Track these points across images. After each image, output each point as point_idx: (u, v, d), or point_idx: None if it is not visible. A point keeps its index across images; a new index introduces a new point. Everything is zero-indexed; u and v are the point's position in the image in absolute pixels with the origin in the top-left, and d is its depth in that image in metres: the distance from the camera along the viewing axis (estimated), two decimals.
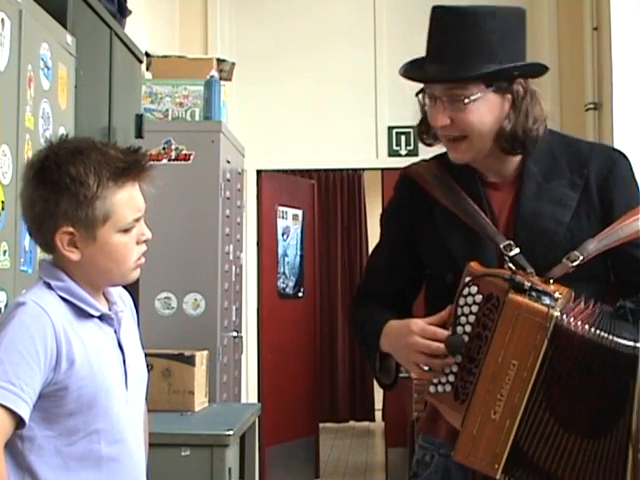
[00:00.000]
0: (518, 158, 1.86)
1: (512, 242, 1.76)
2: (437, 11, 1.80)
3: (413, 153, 5.82)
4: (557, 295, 1.66)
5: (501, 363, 1.63)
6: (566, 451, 1.63)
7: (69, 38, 2.67)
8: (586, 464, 1.62)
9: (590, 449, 1.62)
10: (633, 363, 1.59)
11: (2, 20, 2.17)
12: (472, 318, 1.68)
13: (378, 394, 8.17)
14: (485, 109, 1.77)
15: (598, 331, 1.61)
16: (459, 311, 1.69)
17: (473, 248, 1.80)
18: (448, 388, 1.71)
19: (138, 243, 1.71)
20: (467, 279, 1.69)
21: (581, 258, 1.75)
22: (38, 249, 2.29)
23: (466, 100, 1.75)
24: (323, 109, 5.99)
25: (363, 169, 7.50)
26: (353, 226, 8.93)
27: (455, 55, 1.75)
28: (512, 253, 1.75)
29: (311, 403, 6.55)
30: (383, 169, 6.01)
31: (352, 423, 8.74)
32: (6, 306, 2.13)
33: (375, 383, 8.39)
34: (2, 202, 2.16)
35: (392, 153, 5.88)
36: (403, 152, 5.86)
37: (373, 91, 5.99)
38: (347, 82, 5.98)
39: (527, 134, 1.79)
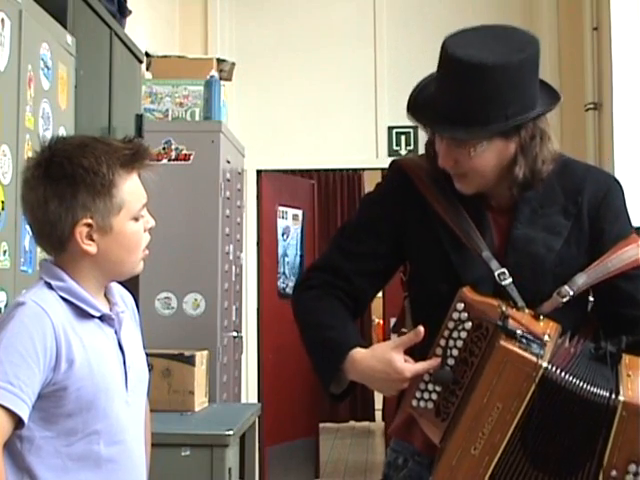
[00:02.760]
0: None
1: (505, 271, 1.77)
2: (448, 56, 1.74)
3: (413, 153, 5.82)
4: (546, 338, 1.68)
5: (486, 404, 1.66)
6: None
7: (69, 38, 2.67)
8: None
9: None
10: (607, 413, 1.63)
11: (2, 20, 2.17)
12: (460, 343, 1.70)
13: (378, 394, 8.17)
14: (490, 155, 1.77)
15: (578, 381, 1.64)
16: (446, 334, 1.71)
17: (468, 264, 1.80)
18: (430, 405, 1.73)
19: (144, 231, 1.73)
20: (459, 305, 1.71)
21: (571, 294, 1.77)
22: (38, 249, 2.29)
23: (472, 150, 1.75)
24: (323, 109, 5.99)
25: (363, 169, 7.50)
26: None
27: (465, 111, 1.71)
28: (505, 283, 1.77)
29: (311, 403, 6.55)
30: (383, 169, 5.99)
31: (352, 423, 8.73)
32: (6, 306, 2.13)
33: None
34: (2, 202, 2.16)
35: (392, 153, 5.88)
36: (403, 152, 5.86)
37: (373, 91, 5.99)
38: (347, 82, 5.98)
39: (535, 176, 1.79)
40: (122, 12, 3.53)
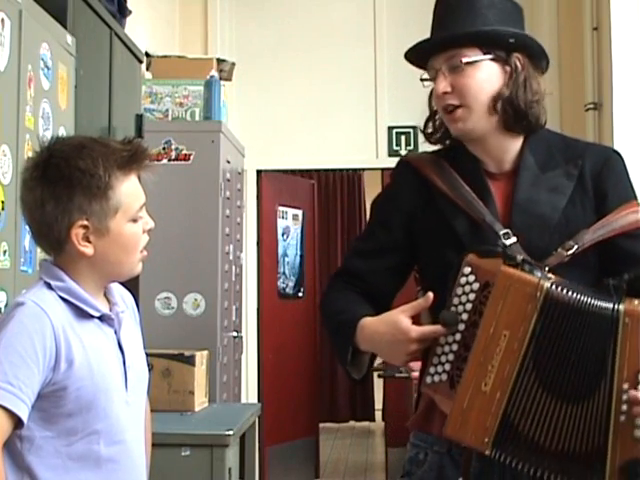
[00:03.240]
0: (517, 147, 1.88)
1: (509, 231, 1.78)
2: None
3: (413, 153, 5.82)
4: (550, 275, 1.69)
5: (492, 334, 1.65)
6: (553, 419, 1.64)
7: (69, 38, 2.67)
8: (571, 430, 1.64)
9: (575, 414, 1.64)
10: (611, 325, 1.63)
11: (2, 20, 2.17)
12: (469, 306, 1.69)
13: (378, 394, 8.17)
14: (483, 76, 1.82)
15: (581, 297, 1.64)
16: (456, 300, 1.71)
17: (477, 232, 1.81)
18: (444, 377, 1.71)
19: (143, 232, 1.73)
20: (465, 269, 1.71)
21: (575, 247, 1.77)
22: (38, 249, 2.29)
23: (464, 59, 1.81)
24: (323, 109, 5.99)
25: (363, 169, 7.50)
26: (353, 226, 8.93)
27: (452, 24, 1.83)
28: (509, 242, 1.78)
29: (311, 403, 6.55)
30: (383, 169, 6.01)
31: (352, 423, 8.74)
32: (6, 306, 2.13)
33: (375, 383, 8.40)
34: (2, 202, 2.16)
35: (392, 153, 5.89)
36: (403, 152, 5.86)
37: (373, 91, 5.99)
38: (347, 82, 5.98)
39: (528, 107, 1.83)
40: (122, 12, 3.53)
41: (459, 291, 1.71)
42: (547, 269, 1.73)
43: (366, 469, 7.00)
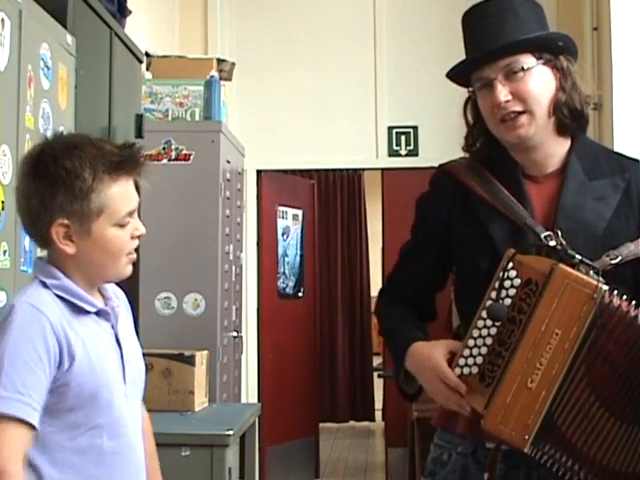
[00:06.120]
0: (563, 150, 1.88)
1: (551, 233, 1.76)
2: (470, 11, 1.88)
3: (413, 153, 5.83)
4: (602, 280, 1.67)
5: (544, 331, 1.63)
6: (603, 432, 1.62)
7: (69, 38, 2.67)
8: (622, 449, 1.62)
9: (630, 436, 1.62)
10: None
11: (2, 20, 2.17)
12: (508, 301, 1.68)
13: (378, 394, 8.16)
14: (540, 81, 1.83)
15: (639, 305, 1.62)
16: (494, 294, 1.69)
17: (514, 236, 1.80)
18: (475, 370, 1.69)
19: (132, 238, 1.73)
20: (507, 264, 1.69)
21: (620, 258, 1.75)
22: (38, 249, 2.29)
23: (525, 66, 1.82)
24: (323, 109, 5.98)
25: (363, 169, 7.50)
26: (353, 226, 8.93)
27: (500, 35, 1.82)
28: (552, 244, 1.75)
29: (311, 403, 6.55)
30: (383, 169, 6.01)
31: (352, 423, 8.73)
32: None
33: (375, 383, 8.40)
34: (2, 202, 2.16)
35: (392, 153, 5.88)
36: (403, 152, 5.86)
37: (373, 91, 5.98)
38: (347, 82, 5.98)
39: (583, 106, 1.87)
40: (122, 12, 3.53)
41: (498, 285, 1.69)
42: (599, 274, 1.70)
43: (366, 469, 6.99)
